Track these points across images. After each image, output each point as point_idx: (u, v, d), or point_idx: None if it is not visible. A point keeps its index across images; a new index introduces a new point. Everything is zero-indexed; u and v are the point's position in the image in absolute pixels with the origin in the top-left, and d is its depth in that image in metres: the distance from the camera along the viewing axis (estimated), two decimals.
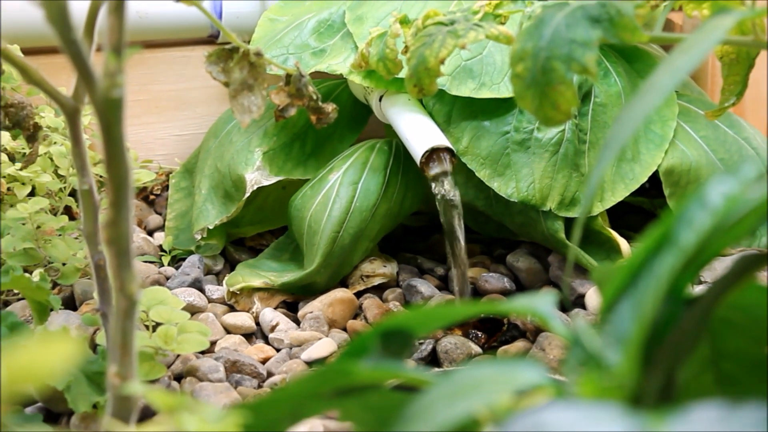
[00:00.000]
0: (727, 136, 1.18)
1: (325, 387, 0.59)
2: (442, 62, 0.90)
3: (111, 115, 0.68)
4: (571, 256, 1.12)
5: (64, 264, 1.10)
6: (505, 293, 1.14)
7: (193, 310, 1.08)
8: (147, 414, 0.85)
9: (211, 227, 1.19)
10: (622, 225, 1.14)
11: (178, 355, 0.99)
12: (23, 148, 1.19)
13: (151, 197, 1.36)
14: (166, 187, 1.34)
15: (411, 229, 1.25)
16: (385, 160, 1.15)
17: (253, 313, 1.11)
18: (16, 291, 1.05)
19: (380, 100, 1.14)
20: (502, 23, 0.90)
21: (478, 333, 1.07)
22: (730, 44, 0.89)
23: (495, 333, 1.07)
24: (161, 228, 1.29)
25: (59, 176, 1.20)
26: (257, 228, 1.25)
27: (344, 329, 1.10)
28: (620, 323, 0.51)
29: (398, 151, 1.15)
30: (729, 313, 0.61)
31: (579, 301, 1.12)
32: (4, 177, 1.16)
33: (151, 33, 1.34)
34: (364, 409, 0.63)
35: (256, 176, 1.17)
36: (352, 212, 1.12)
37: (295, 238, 1.17)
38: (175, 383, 0.97)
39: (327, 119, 1.00)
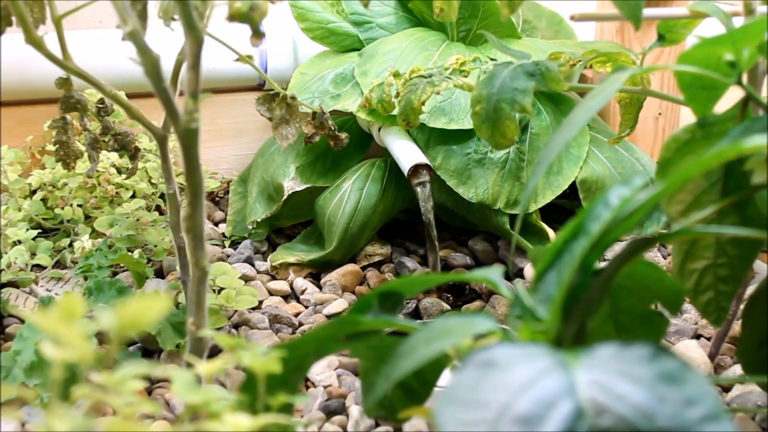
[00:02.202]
0: (624, 156, 1.18)
1: (339, 333, 0.60)
2: (423, 104, 0.90)
3: (189, 140, 0.68)
4: (513, 241, 1.12)
5: (155, 246, 1.11)
6: (467, 267, 1.15)
7: (246, 279, 1.08)
8: (214, 352, 0.86)
9: (259, 220, 1.19)
10: (550, 219, 1.14)
11: (236, 311, 1.00)
12: (127, 164, 1.19)
13: (216, 199, 1.36)
14: (227, 192, 1.35)
15: (400, 222, 1.25)
16: (382, 173, 1.15)
17: (288, 281, 1.11)
18: (122, 265, 1.05)
19: (379, 130, 1.14)
20: (465, 76, 0.91)
21: (448, 295, 1.07)
22: (625, 92, 0.90)
23: (460, 295, 1.08)
24: (224, 221, 1.29)
25: (152, 184, 1.20)
26: (292, 221, 1.25)
27: (353, 293, 1.10)
28: (547, 288, 0.52)
29: (391, 167, 1.15)
30: (624, 281, 0.62)
31: (519, 273, 1.12)
32: (114, 184, 1.17)
33: (217, 83, 1.35)
34: (367, 349, 0.63)
35: (291, 184, 1.17)
36: (359, 210, 1.13)
37: (318, 228, 1.18)
38: (233, 330, 0.98)
39: (341, 144, 1.00)
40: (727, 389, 0.85)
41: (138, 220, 1.12)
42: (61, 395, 0.44)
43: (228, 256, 1.17)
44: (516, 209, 1.10)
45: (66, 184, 1.16)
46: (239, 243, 1.20)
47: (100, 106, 0.90)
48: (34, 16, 0.79)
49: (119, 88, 0.82)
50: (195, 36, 0.66)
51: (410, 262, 1.14)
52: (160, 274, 1.10)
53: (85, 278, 0.94)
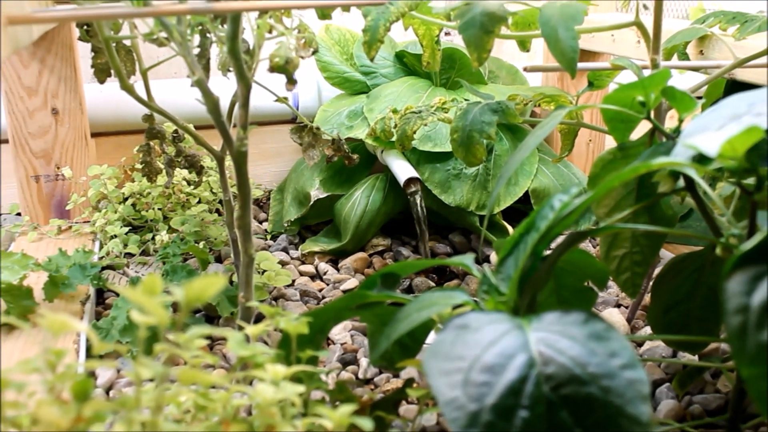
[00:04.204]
0: (564, 172, 1.18)
1: (352, 303, 0.60)
2: (414, 132, 0.90)
3: (240, 160, 0.68)
4: (482, 235, 1.12)
5: (215, 238, 1.10)
6: (448, 255, 1.14)
7: (282, 263, 1.08)
8: (259, 318, 0.86)
9: (292, 220, 1.19)
10: (510, 219, 1.14)
11: (275, 287, 1.00)
12: (194, 178, 1.19)
13: (261, 203, 1.36)
14: (268, 198, 1.34)
15: (398, 221, 1.25)
16: (384, 184, 1.15)
17: (314, 265, 1.11)
18: (191, 253, 1.05)
19: (381, 152, 1.14)
20: (446, 112, 0.91)
21: (434, 276, 1.07)
22: (564, 124, 0.90)
23: (442, 276, 1.08)
24: (266, 220, 1.29)
25: (213, 193, 1.20)
26: (317, 220, 1.25)
27: (363, 274, 1.10)
28: (507, 270, 0.51)
29: (391, 180, 1.15)
30: (564, 264, 0.62)
31: (486, 259, 1.12)
32: (184, 193, 1.17)
33: (261, 117, 1.34)
34: (373, 315, 0.63)
35: (316, 193, 1.17)
36: (367, 212, 1.12)
37: (336, 225, 1.17)
38: (273, 302, 0.98)
39: (353, 162, 1.00)
40: (640, 344, 0.85)
41: (203, 219, 1.11)
42: (146, 350, 0.44)
43: (269, 246, 1.17)
44: (484, 211, 1.10)
45: (150, 193, 1.16)
46: (277, 236, 1.20)
47: (175, 135, 0.90)
48: (127, 69, 0.79)
49: (189, 122, 0.82)
50: (245, 83, 0.66)
51: (405, 251, 1.14)
52: (219, 259, 1.10)
53: (164, 263, 0.95)
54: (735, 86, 0.87)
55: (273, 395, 0.46)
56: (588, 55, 1.22)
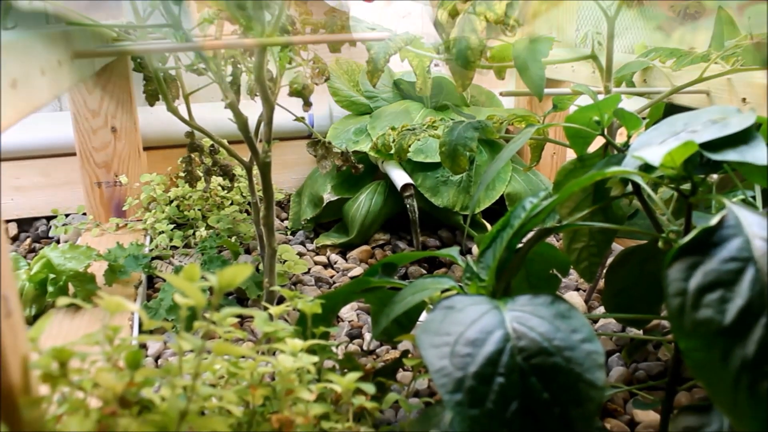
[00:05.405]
0: (533, 179, 1.18)
1: (358, 288, 0.60)
2: (409, 146, 0.90)
3: (265, 169, 0.68)
4: (465, 231, 1.12)
5: (245, 234, 1.10)
6: (437, 248, 1.14)
7: (300, 254, 1.08)
8: (280, 300, 0.85)
9: (308, 218, 1.19)
10: (489, 218, 1.14)
11: (294, 274, 0.99)
12: (227, 184, 1.19)
13: (282, 205, 1.36)
14: (288, 201, 1.34)
15: (395, 219, 1.24)
16: (385, 189, 1.14)
17: (326, 256, 1.11)
18: (224, 246, 1.05)
19: (382, 162, 1.14)
20: (435, 129, 0.90)
21: (425, 265, 1.07)
22: (533, 139, 0.89)
23: (432, 265, 1.07)
24: (286, 218, 1.28)
25: (243, 196, 1.20)
26: (329, 218, 1.24)
27: (367, 263, 1.09)
28: (486, 260, 0.51)
29: (390, 186, 1.14)
30: (533, 256, 0.61)
31: (469, 251, 1.11)
32: (219, 197, 1.16)
33: (282, 133, 1.34)
34: (375, 298, 0.63)
35: (328, 196, 1.17)
36: (370, 212, 1.12)
37: (345, 223, 1.17)
38: (292, 286, 0.98)
39: (359, 171, 1.00)
40: (595, 321, 0.85)
41: (234, 218, 1.11)
42: (187, 326, 0.44)
43: (289, 240, 1.16)
44: (467, 211, 1.09)
45: (191, 197, 1.16)
46: (296, 232, 1.20)
47: (212, 148, 0.90)
48: (172, 94, 0.79)
49: (222, 137, 0.82)
50: (269, 105, 0.66)
51: (402, 244, 1.14)
52: (248, 251, 1.10)
53: (202, 254, 0.94)
54: (673, 109, 0.86)
55: (292, 364, 0.46)
56: (552, 82, 1.22)
